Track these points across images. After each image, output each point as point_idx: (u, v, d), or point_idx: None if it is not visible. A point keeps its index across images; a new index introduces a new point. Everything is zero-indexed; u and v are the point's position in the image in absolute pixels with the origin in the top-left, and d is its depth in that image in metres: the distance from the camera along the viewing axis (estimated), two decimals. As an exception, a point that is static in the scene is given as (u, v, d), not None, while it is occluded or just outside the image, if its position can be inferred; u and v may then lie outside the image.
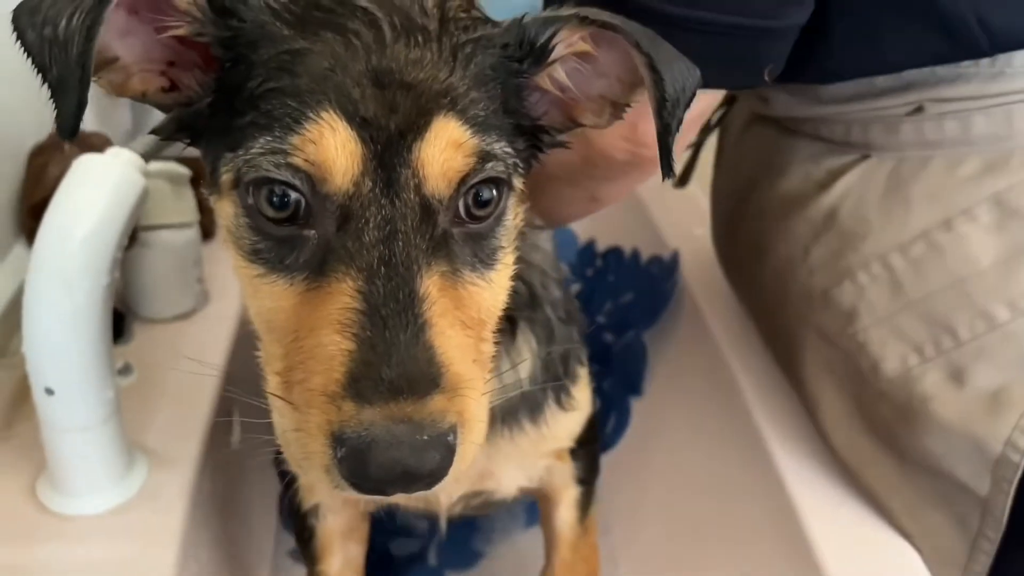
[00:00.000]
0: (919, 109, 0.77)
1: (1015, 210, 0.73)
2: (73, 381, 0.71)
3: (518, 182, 0.53)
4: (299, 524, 0.80)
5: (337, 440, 0.44)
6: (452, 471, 0.46)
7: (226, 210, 0.51)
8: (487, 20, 0.54)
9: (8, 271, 0.92)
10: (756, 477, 0.91)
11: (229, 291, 1.09)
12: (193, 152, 0.57)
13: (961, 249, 0.74)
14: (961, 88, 0.75)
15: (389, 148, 0.46)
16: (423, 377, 0.44)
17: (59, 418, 0.72)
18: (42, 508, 0.76)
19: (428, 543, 1.05)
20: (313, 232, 0.48)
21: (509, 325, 0.65)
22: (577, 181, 0.81)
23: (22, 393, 0.87)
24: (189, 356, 0.97)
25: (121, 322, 0.99)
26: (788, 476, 0.85)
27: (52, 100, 0.47)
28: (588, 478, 0.81)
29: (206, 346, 1.00)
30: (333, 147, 0.45)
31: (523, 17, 0.52)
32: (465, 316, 0.49)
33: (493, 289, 0.52)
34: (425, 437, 0.43)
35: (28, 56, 0.47)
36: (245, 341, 1.03)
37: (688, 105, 0.52)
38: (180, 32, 0.50)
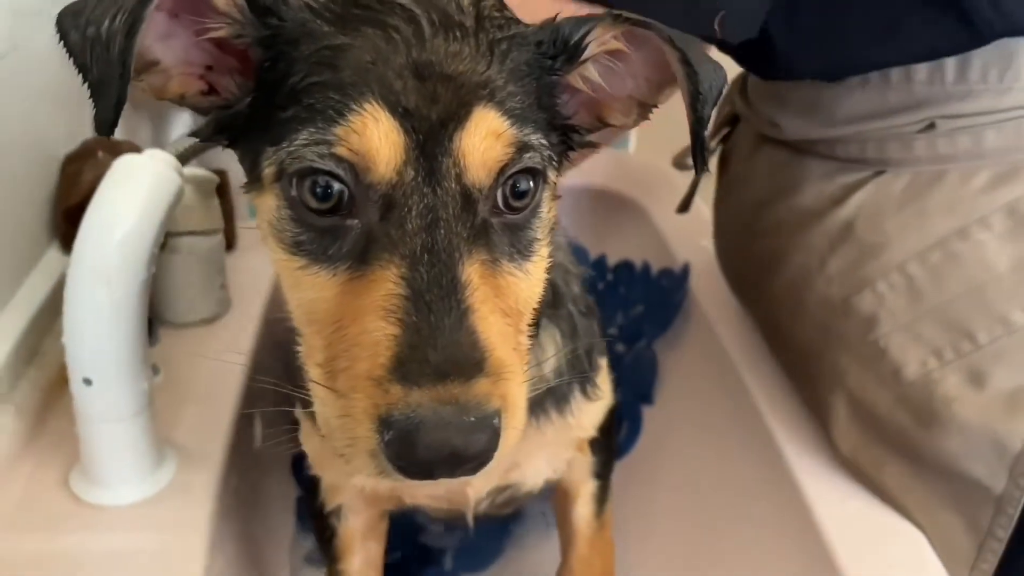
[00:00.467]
0: (931, 126, 0.79)
1: None
2: (111, 372, 0.73)
3: (552, 175, 0.54)
4: (320, 524, 0.81)
5: (384, 423, 0.44)
6: (496, 455, 0.46)
7: (268, 204, 0.52)
8: (518, 20, 0.56)
9: (42, 273, 0.95)
10: (768, 480, 0.92)
11: (251, 298, 1.12)
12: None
13: (977, 256, 0.77)
14: (971, 104, 0.77)
15: (431, 138, 0.47)
16: (468, 360, 0.45)
17: (96, 409, 0.74)
18: (75, 499, 0.78)
19: (445, 547, 1.06)
20: (356, 221, 0.49)
21: (534, 322, 0.68)
22: None
23: (55, 390, 0.89)
24: (213, 360, 1.00)
25: (149, 325, 1.01)
26: (801, 479, 0.87)
27: (92, 99, 0.48)
28: (604, 472, 0.83)
29: (230, 351, 1.02)
30: (377, 137, 0.47)
31: (556, 16, 0.54)
32: (504, 305, 0.50)
33: (530, 280, 0.53)
34: (472, 419, 0.44)
35: (71, 57, 0.48)
36: (266, 347, 1.06)
37: (716, 103, 0.53)
38: (220, 34, 0.52)
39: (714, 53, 0.87)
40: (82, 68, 0.48)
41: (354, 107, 0.47)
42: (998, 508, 0.76)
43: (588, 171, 1.39)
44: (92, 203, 0.73)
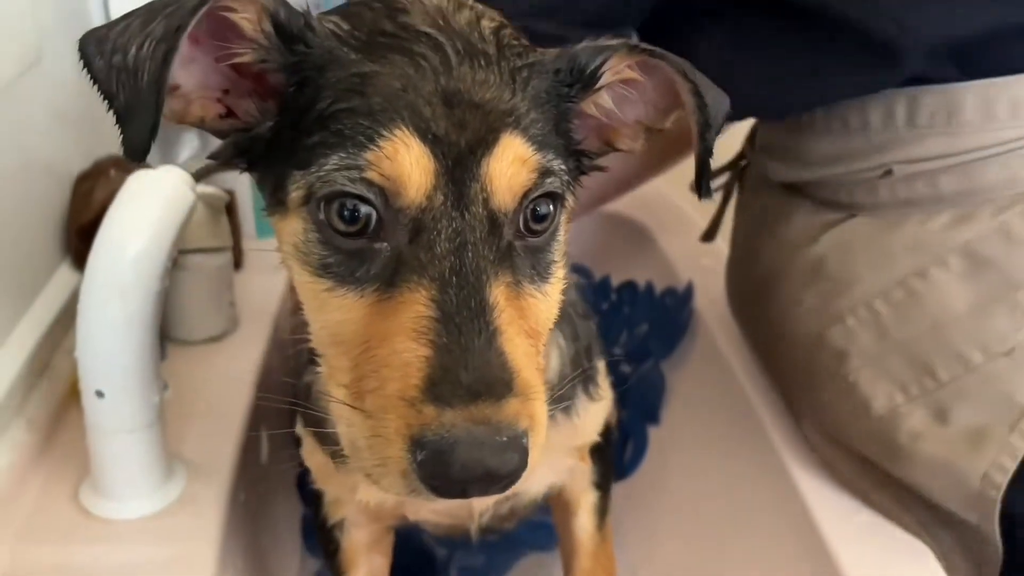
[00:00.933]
0: (889, 172, 0.81)
1: (984, 259, 0.77)
2: (123, 384, 0.74)
3: (570, 198, 0.55)
4: (325, 537, 0.82)
5: (417, 444, 0.45)
6: (524, 473, 0.47)
7: (293, 227, 0.53)
8: (534, 47, 0.57)
9: (54, 290, 0.96)
10: (774, 499, 0.92)
11: (258, 317, 1.12)
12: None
13: (936, 295, 0.78)
14: (923, 148, 0.79)
15: (459, 163, 0.48)
16: (499, 381, 0.46)
17: (107, 420, 0.75)
18: (85, 512, 0.78)
19: (450, 564, 1.06)
20: (385, 244, 0.49)
21: None
22: None
23: (65, 404, 0.90)
24: (221, 377, 1.00)
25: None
26: (808, 497, 0.87)
27: (118, 125, 0.49)
28: (604, 483, 0.84)
29: (237, 368, 1.03)
30: (408, 163, 0.47)
31: (573, 45, 0.55)
32: (527, 326, 0.51)
33: (548, 302, 0.54)
34: (504, 439, 0.45)
35: (95, 83, 0.49)
36: (274, 366, 1.07)
37: (720, 130, 0.55)
38: (245, 59, 0.52)
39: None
40: (107, 95, 0.48)
41: (385, 133, 0.48)
42: (982, 538, 0.77)
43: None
44: (107, 216, 0.74)
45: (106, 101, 0.49)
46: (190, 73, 0.53)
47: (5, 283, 0.89)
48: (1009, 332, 0.74)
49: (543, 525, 1.13)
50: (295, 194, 0.51)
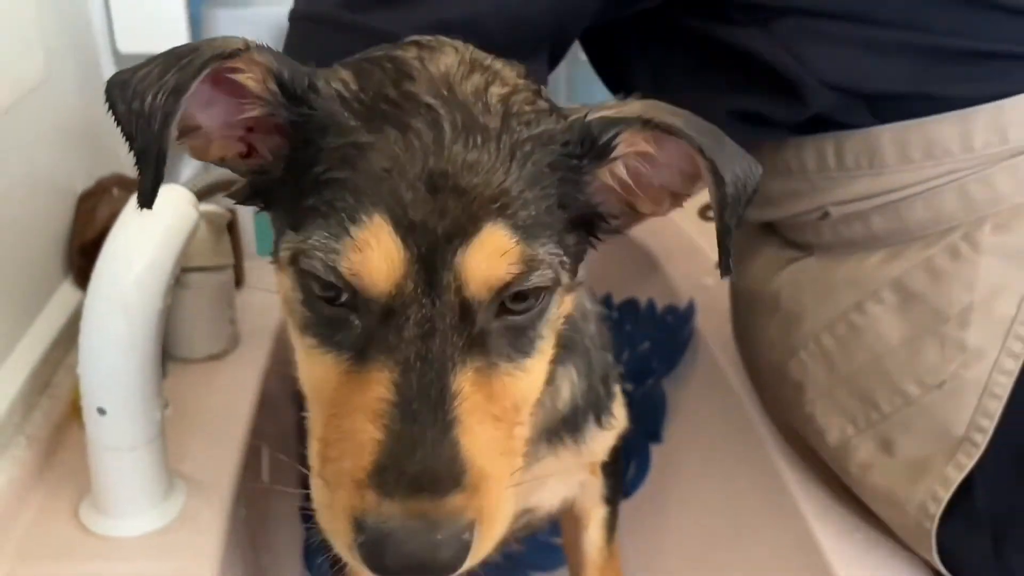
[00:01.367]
0: (826, 214, 0.83)
1: (912, 293, 0.78)
2: (125, 401, 0.74)
3: (565, 279, 0.53)
4: (333, 557, 0.81)
5: (358, 525, 0.46)
6: (468, 564, 0.48)
7: (284, 283, 0.53)
8: (552, 111, 0.55)
9: (55, 307, 0.96)
10: (775, 515, 0.92)
11: (259, 335, 1.13)
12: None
13: (873, 329, 0.80)
14: (853, 189, 0.81)
15: (434, 251, 0.48)
16: (445, 475, 0.46)
17: (108, 437, 0.75)
18: (85, 530, 0.78)
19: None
20: (358, 321, 0.50)
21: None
22: None
23: (66, 422, 0.90)
24: (222, 394, 1.00)
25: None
26: (809, 515, 0.87)
27: (136, 167, 0.50)
28: (613, 498, 0.85)
29: (237, 386, 1.03)
30: (376, 257, 0.47)
31: (586, 115, 0.53)
32: (497, 409, 0.50)
33: (529, 377, 0.53)
34: (439, 536, 0.45)
35: (119, 125, 0.50)
36: (274, 383, 1.07)
37: (750, 201, 0.53)
38: (254, 114, 0.53)
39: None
40: (128, 137, 0.50)
41: (363, 218, 0.48)
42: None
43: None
44: (112, 233, 0.74)
45: (128, 144, 0.50)
46: (211, 115, 0.54)
47: (7, 300, 0.89)
48: (939, 365, 0.75)
49: (549, 547, 1.13)
50: (284, 253, 0.52)
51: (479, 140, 0.49)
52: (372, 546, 0.46)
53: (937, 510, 0.74)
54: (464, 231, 0.47)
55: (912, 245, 0.79)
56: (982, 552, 0.75)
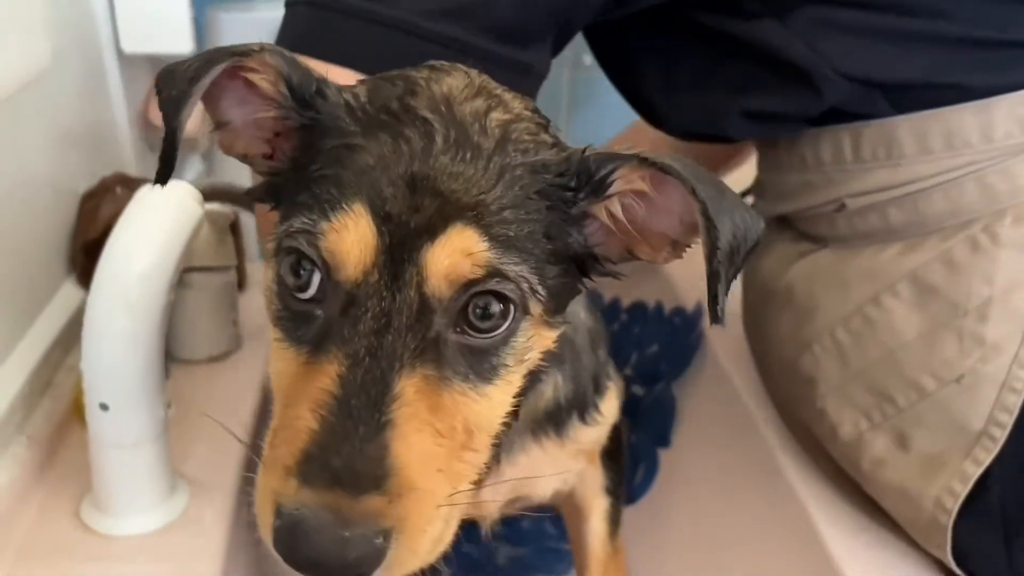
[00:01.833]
0: (843, 206, 0.83)
1: (929, 286, 0.77)
2: (127, 397, 0.73)
3: (536, 308, 0.52)
4: None
5: (277, 510, 0.46)
6: (380, 572, 0.47)
7: (267, 274, 0.54)
8: (554, 144, 0.54)
9: (57, 307, 0.95)
10: (782, 518, 0.91)
11: (261, 336, 1.12)
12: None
13: (889, 323, 0.79)
14: (870, 181, 0.80)
15: (402, 244, 0.48)
16: (367, 475, 0.45)
17: (110, 434, 0.74)
18: (86, 528, 0.77)
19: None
20: (321, 312, 0.50)
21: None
22: None
23: (67, 422, 0.89)
24: (225, 395, 1.00)
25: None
26: (815, 516, 0.86)
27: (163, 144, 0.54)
28: (616, 490, 0.84)
29: (239, 387, 1.02)
30: (351, 240, 0.48)
31: (585, 149, 0.53)
32: (442, 425, 0.49)
33: (488, 403, 0.52)
34: (346, 533, 0.45)
35: (161, 108, 0.53)
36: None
37: (748, 255, 0.52)
38: (268, 115, 0.55)
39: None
40: (165, 120, 0.53)
41: (344, 206, 0.49)
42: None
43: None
44: (116, 227, 0.73)
45: (165, 127, 0.53)
46: (242, 112, 0.56)
47: (9, 299, 0.88)
48: (957, 359, 0.74)
49: (556, 551, 1.12)
50: (271, 244, 0.53)
51: (468, 156, 0.50)
52: (283, 532, 0.45)
53: (954, 506, 0.73)
54: (434, 228, 0.48)
55: (930, 238, 0.78)
56: (994, 548, 0.74)
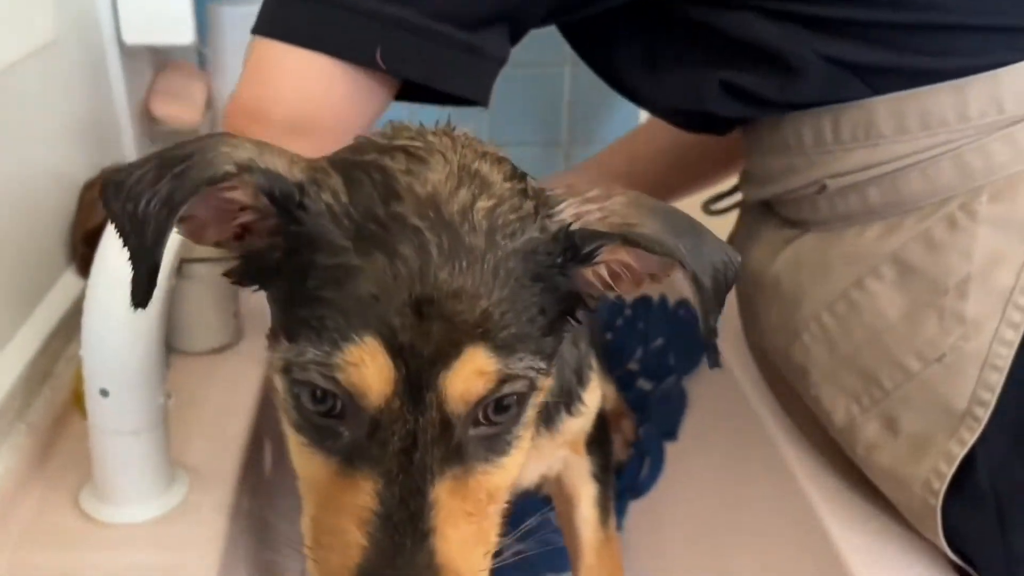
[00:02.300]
0: (823, 187, 0.83)
1: (911, 266, 0.77)
2: (127, 382, 0.72)
3: (543, 381, 0.55)
4: None
5: None
6: None
7: (278, 384, 0.55)
8: (536, 208, 0.55)
9: (57, 296, 0.95)
10: (787, 512, 0.90)
11: (262, 328, 1.10)
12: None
13: (873, 305, 0.79)
14: (850, 161, 0.80)
15: (420, 373, 0.50)
16: None
17: (110, 421, 0.73)
18: (86, 517, 0.76)
19: None
20: (346, 432, 0.52)
21: None
22: None
23: (67, 410, 0.88)
24: (225, 387, 0.99)
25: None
26: (820, 509, 0.85)
27: (130, 264, 0.51)
28: (603, 476, 0.85)
29: (240, 379, 1.01)
30: (371, 374, 0.49)
31: (570, 224, 0.54)
32: (471, 505, 0.53)
33: (505, 471, 0.55)
34: None
35: (113, 221, 0.51)
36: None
37: (728, 289, 0.55)
38: (248, 219, 0.54)
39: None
40: (121, 234, 0.51)
41: (356, 338, 0.49)
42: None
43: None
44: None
45: (121, 239, 0.51)
46: (206, 207, 0.54)
47: (9, 288, 0.88)
48: (939, 338, 0.74)
49: (558, 549, 1.11)
50: (277, 361, 0.53)
51: (464, 264, 0.50)
52: None
53: (941, 486, 0.72)
54: (447, 355, 0.50)
55: (909, 217, 0.78)
56: (986, 530, 0.73)
